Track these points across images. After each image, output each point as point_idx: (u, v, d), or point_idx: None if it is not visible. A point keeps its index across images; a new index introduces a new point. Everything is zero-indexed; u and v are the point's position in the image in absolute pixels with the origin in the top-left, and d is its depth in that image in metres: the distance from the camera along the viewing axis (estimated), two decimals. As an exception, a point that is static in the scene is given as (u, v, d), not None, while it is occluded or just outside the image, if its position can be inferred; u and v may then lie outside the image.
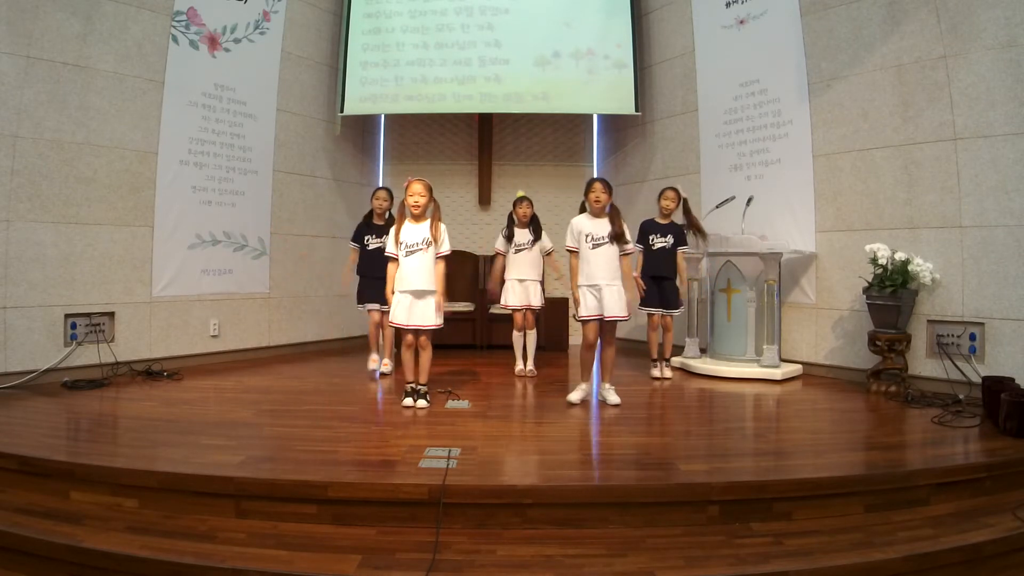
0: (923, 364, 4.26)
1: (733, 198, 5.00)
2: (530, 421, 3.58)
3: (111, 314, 4.66)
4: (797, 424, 3.59)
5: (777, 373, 4.58)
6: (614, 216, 3.85)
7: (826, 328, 4.84)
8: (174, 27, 4.94)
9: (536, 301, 4.77)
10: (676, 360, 5.21)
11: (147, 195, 4.85)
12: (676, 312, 4.80)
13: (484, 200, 6.86)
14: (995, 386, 3.44)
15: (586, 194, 3.90)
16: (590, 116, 6.88)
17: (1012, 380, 3.58)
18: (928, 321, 4.24)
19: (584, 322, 3.82)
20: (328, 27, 6.24)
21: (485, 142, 6.81)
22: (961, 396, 3.86)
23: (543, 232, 4.88)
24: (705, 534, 2.39)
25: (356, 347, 6.11)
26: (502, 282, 4.83)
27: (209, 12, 5.16)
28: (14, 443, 2.92)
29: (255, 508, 2.48)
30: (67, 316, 4.43)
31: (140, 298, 4.83)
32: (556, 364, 5.44)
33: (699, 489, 2.50)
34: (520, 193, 4.97)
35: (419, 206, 3.75)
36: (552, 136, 6.98)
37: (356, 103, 6.15)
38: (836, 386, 4.47)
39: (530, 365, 4.86)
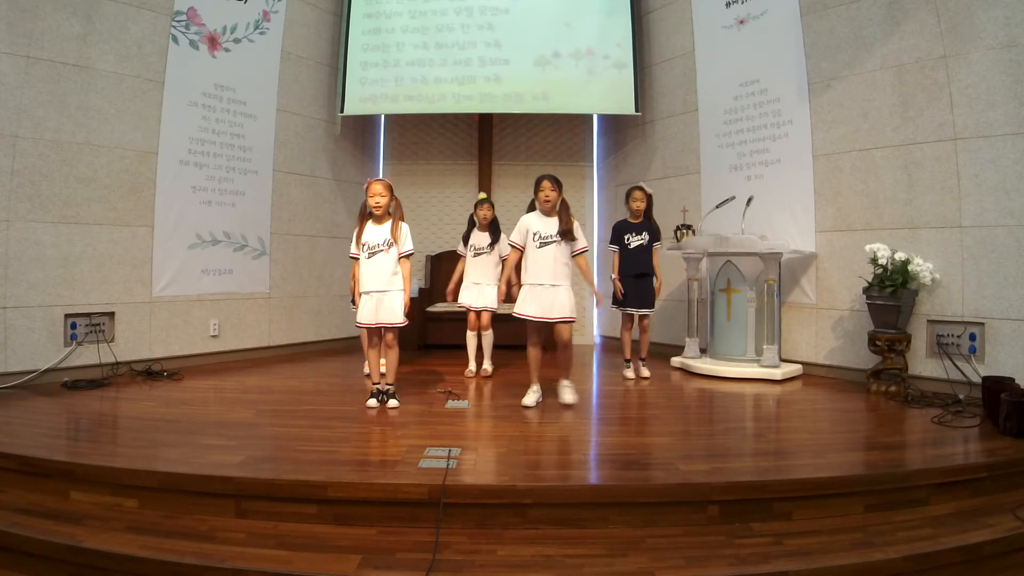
0: (923, 364, 4.26)
1: (733, 198, 5.00)
2: (530, 421, 3.58)
3: (111, 314, 4.66)
4: (797, 424, 3.59)
5: (777, 373, 4.58)
6: (563, 214, 3.78)
7: (826, 328, 4.84)
8: (174, 27, 4.94)
9: (491, 303, 4.72)
10: (676, 360, 5.21)
11: (147, 195, 4.85)
12: (651, 311, 4.76)
13: (484, 200, 6.87)
14: (995, 386, 3.44)
15: (535, 192, 3.81)
16: (590, 116, 6.88)
17: (1012, 380, 3.57)
18: (928, 321, 4.24)
19: (523, 320, 3.76)
20: (328, 27, 6.24)
21: (485, 142, 6.81)
22: (961, 396, 3.85)
23: (502, 236, 4.81)
24: (705, 534, 2.39)
25: (356, 347, 6.08)
26: (460, 283, 4.86)
27: (209, 12, 5.16)
28: (14, 443, 2.92)
29: (255, 508, 2.48)
30: (67, 316, 4.43)
31: (140, 298, 4.83)
32: (554, 364, 5.41)
33: (699, 489, 2.49)
34: (481, 195, 4.95)
35: (380, 207, 3.69)
36: (552, 136, 6.98)
37: (356, 103, 6.15)
38: (836, 386, 4.47)
39: (486, 364, 4.82)
